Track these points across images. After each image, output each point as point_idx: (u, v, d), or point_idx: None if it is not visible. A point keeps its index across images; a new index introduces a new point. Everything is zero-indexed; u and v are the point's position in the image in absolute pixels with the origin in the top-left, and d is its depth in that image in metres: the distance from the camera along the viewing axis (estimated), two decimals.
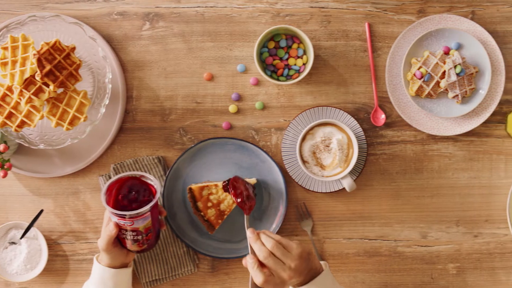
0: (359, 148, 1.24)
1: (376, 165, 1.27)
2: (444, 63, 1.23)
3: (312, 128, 1.20)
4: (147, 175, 1.11)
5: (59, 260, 1.28)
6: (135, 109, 1.27)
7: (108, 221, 1.13)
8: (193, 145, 1.24)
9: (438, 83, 1.24)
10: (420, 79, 1.23)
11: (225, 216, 1.22)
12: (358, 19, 1.27)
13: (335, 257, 1.27)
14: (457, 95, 1.24)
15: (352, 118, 1.25)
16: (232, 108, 1.26)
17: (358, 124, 1.25)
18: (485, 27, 1.27)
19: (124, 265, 1.15)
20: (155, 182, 1.10)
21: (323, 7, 1.27)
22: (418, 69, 1.23)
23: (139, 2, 1.27)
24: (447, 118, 1.26)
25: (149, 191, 1.11)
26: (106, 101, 1.18)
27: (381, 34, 1.27)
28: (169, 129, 1.27)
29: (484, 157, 1.28)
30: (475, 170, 1.28)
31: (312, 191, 1.25)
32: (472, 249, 1.29)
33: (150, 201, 1.09)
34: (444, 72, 1.23)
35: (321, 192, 1.25)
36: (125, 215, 1.06)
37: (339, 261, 1.28)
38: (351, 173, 1.25)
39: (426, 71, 1.23)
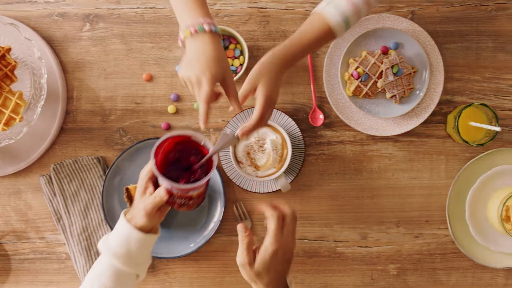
0: (297, 148, 1.24)
1: (315, 165, 1.27)
2: (382, 63, 1.23)
3: None
4: (197, 134, 0.98)
5: (0, 260, 1.29)
6: (75, 110, 1.28)
7: (148, 183, 1.03)
8: (131, 145, 1.25)
9: (375, 83, 1.23)
10: (357, 79, 1.23)
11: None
12: (297, 19, 1.27)
13: None
14: (394, 95, 1.24)
15: (289, 118, 1.25)
16: (170, 108, 1.27)
17: (295, 125, 1.25)
18: (425, 27, 1.26)
19: (153, 229, 1.07)
20: (207, 144, 0.98)
21: (262, 8, 1.27)
22: (356, 69, 1.23)
23: (79, 3, 1.28)
24: (386, 118, 1.26)
25: (200, 152, 1.01)
26: (42, 102, 1.19)
27: None
28: (109, 129, 1.28)
29: (424, 157, 1.28)
30: (415, 171, 1.28)
31: (251, 191, 1.25)
32: (413, 250, 1.28)
33: (202, 165, 1.00)
34: (382, 72, 1.23)
35: (260, 193, 1.25)
36: (186, 188, 0.97)
37: None
38: (289, 173, 1.25)
39: (364, 71, 1.23)
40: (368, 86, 1.23)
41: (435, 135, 1.28)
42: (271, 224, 0.97)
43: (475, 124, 1.23)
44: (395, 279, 1.28)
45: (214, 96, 0.97)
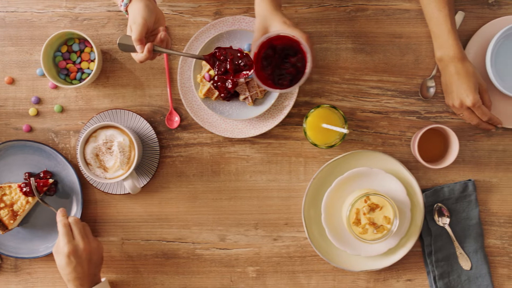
0: (152, 150, 1.25)
1: (173, 167, 1.28)
2: None
3: (95, 131, 1.21)
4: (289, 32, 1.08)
5: None
6: None
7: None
8: None
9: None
10: (209, 81, 1.23)
11: (18, 217, 1.24)
12: None
13: (134, 259, 1.28)
14: (247, 97, 1.23)
15: (144, 120, 1.25)
16: (32, 111, 1.29)
17: (150, 127, 1.25)
18: None
19: None
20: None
21: (120, 11, 1.28)
22: (208, 71, 1.23)
23: None
24: (241, 120, 1.26)
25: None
26: None
27: (177, 37, 1.27)
28: None
29: (282, 159, 1.27)
30: (274, 173, 1.27)
31: (108, 193, 1.26)
32: (272, 252, 1.28)
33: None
34: None
35: (119, 194, 1.26)
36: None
37: (138, 262, 1.28)
38: (144, 175, 1.25)
39: (216, 73, 1.22)
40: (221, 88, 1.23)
41: (294, 137, 1.27)
42: (59, 228, 1.14)
43: (326, 126, 1.22)
44: (255, 281, 1.28)
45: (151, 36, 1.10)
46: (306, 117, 1.19)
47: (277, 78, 1.11)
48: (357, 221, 1.20)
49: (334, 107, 1.19)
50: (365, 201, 1.19)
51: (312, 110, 1.19)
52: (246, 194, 1.27)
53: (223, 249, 1.28)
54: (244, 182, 1.27)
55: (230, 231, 1.28)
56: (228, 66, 1.10)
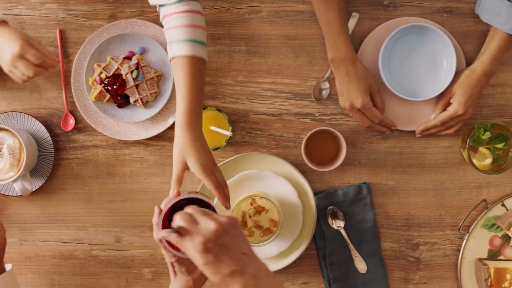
0: (46, 152, 1.26)
1: (69, 169, 1.29)
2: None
3: None
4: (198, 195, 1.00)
5: None
6: None
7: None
8: None
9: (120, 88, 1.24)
10: (100, 84, 1.24)
11: None
12: (51, 25, 1.29)
13: (32, 260, 1.30)
14: (137, 100, 1.24)
15: (39, 123, 1.27)
16: None
17: (45, 129, 1.27)
18: None
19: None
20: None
21: (16, 14, 1.29)
22: (99, 74, 1.24)
23: None
24: (134, 123, 1.26)
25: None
26: None
27: (73, 40, 1.29)
28: None
29: None
30: (168, 175, 1.28)
31: (4, 194, 1.28)
32: None
33: None
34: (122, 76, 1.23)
35: (16, 196, 1.28)
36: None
37: (36, 263, 1.30)
38: (39, 176, 1.27)
39: (106, 76, 1.24)
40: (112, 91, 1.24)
41: None
42: None
43: (214, 128, 1.22)
44: (150, 282, 1.29)
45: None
46: None
47: None
48: (243, 224, 1.19)
49: (219, 109, 1.20)
50: (251, 204, 1.19)
51: None
52: (140, 196, 1.28)
53: (119, 250, 1.29)
54: (138, 184, 1.28)
55: (126, 232, 1.29)
56: None
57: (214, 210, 0.98)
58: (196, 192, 1.05)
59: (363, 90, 1.19)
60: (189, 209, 0.91)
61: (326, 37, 1.20)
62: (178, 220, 0.88)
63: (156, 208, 0.99)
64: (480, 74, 1.20)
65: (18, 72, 1.12)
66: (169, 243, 0.96)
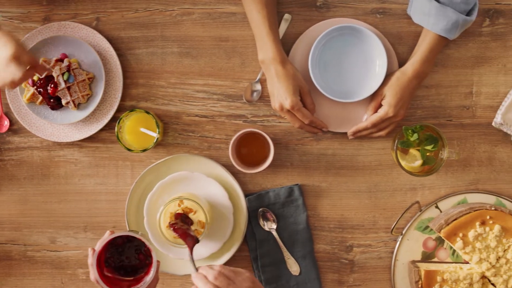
0: None
1: (4, 170, 1.30)
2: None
3: None
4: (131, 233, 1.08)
5: None
6: None
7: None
8: None
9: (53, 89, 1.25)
10: (33, 86, 1.25)
11: None
12: None
13: None
14: (69, 102, 1.25)
15: None
16: None
17: None
18: (110, 34, 1.27)
19: None
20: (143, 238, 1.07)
21: None
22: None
23: None
24: (67, 125, 1.27)
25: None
26: None
27: None
28: None
29: (110, 163, 1.28)
30: (102, 176, 1.28)
31: None
32: None
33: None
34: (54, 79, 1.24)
35: None
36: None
37: None
38: None
39: (39, 78, 1.24)
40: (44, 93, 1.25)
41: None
42: None
43: (143, 130, 1.23)
44: (85, 283, 1.29)
45: None
46: (118, 121, 1.19)
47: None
48: (173, 226, 1.19)
49: (147, 111, 1.20)
50: (179, 205, 1.19)
51: (125, 114, 1.20)
52: (75, 197, 1.29)
53: (53, 251, 1.30)
54: (73, 186, 1.29)
55: (60, 233, 1.29)
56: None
57: (148, 248, 1.06)
58: (130, 231, 1.10)
59: (292, 90, 1.18)
60: (220, 268, 1.01)
61: (256, 38, 1.20)
62: (214, 280, 0.99)
63: (90, 249, 1.06)
64: (411, 75, 1.20)
65: (9, 74, 1.07)
66: (106, 283, 1.03)
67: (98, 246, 1.05)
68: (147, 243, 1.06)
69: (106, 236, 1.06)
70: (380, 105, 1.23)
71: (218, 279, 0.99)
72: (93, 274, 1.03)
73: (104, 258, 1.08)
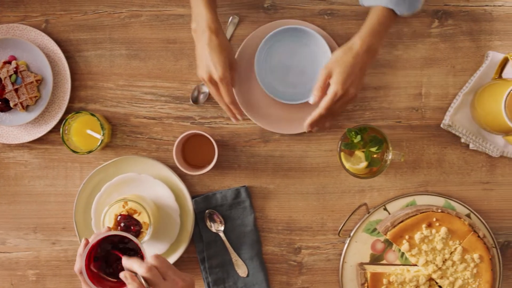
0: None
1: None
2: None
3: None
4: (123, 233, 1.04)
5: None
6: None
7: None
8: None
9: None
10: None
11: None
12: None
13: None
14: (17, 104, 1.26)
15: None
16: None
17: None
18: (59, 36, 1.28)
19: None
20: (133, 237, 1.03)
21: None
22: None
23: None
24: (16, 126, 1.28)
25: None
26: None
27: None
28: None
29: (59, 165, 1.29)
30: (51, 178, 1.29)
31: None
32: (51, 256, 1.29)
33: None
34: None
35: None
36: None
37: None
38: None
39: None
40: None
41: None
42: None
43: (89, 132, 1.23)
44: (35, 284, 1.30)
45: None
46: (64, 123, 1.20)
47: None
48: (116, 227, 1.20)
49: (92, 114, 1.20)
50: (123, 206, 1.19)
51: (71, 115, 1.20)
52: (25, 198, 1.30)
53: (3, 252, 1.30)
54: (23, 187, 1.30)
55: (10, 234, 1.30)
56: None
57: (141, 250, 1.03)
58: (130, 233, 1.08)
59: (224, 62, 1.11)
60: (155, 261, 0.96)
61: (192, 5, 1.14)
62: (146, 272, 0.93)
63: (83, 239, 1.02)
64: (360, 49, 1.11)
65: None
66: (90, 277, 0.99)
67: (94, 238, 1.01)
68: (142, 250, 1.02)
69: (104, 231, 1.03)
70: (328, 85, 1.14)
71: (150, 271, 0.94)
72: (79, 264, 0.99)
73: (94, 253, 1.04)
